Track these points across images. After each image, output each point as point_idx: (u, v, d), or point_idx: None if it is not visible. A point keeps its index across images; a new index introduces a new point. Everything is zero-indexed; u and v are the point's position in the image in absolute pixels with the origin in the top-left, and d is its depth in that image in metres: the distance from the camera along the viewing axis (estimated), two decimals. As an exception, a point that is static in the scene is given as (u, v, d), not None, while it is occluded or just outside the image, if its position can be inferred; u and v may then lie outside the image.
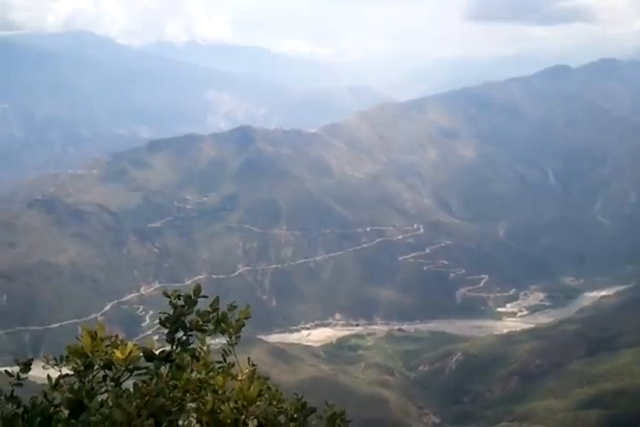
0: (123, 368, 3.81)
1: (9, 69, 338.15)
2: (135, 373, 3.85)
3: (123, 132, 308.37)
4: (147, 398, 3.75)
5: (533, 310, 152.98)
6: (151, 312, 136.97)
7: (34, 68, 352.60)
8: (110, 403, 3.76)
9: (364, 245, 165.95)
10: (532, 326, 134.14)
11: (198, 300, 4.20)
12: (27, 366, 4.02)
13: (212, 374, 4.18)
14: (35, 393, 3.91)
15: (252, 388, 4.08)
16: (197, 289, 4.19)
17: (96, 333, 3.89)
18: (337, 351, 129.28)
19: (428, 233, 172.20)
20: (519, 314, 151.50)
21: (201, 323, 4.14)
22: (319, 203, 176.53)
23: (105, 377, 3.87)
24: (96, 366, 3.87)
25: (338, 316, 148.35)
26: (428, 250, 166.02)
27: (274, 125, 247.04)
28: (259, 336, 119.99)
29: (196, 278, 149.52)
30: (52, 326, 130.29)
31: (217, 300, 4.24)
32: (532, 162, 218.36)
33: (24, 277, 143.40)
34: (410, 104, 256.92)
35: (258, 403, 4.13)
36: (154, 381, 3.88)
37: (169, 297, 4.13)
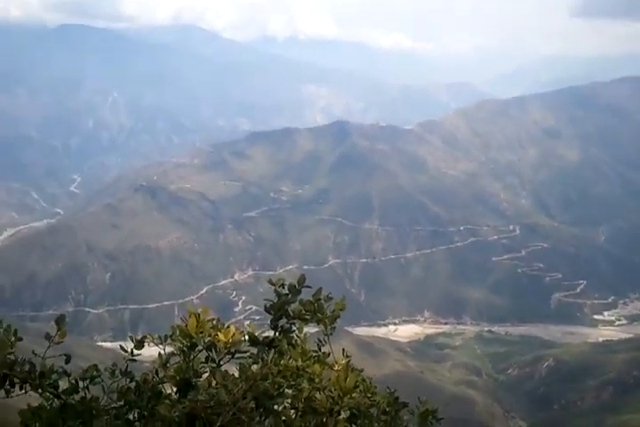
0: (225, 351, 3.95)
1: (120, 60, 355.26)
2: (237, 356, 3.99)
3: (224, 123, 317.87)
4: (252, 381, 3.84)
5: (633, 319, 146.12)
6: (244, 298, 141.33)
7: (143, 59, 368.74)
8: (215, 383, 3.88)
9: (457, 244, 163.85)
10: (630, 335, 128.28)
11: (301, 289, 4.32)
12: (140, 343, 4.15)
13: (308, 362, 4.27)
14: (132, 369, 4.10)
15: (348, 379, 4.16)
16: (302, 279, 4.24)
17: (199, 315, 4.02)
18: (424, 348, 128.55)
19: (524, 235, 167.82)
20: (617, 323, 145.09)
21: (303, 312, 4.21)
22: (412, 199, 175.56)
23: (207, 358, 4.01)
24: (199, 347, 4.01)
25: (426, 313, 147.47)
26: (523, 252, 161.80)
27: (370, 121, 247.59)
28: (346, 328, 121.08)
29: (287, 268, 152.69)
30: (150, 305, 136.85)
31: (319, 291, 4.27)
32: (638, 165, 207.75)
33: (126, 258, 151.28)
34: (511, 102, 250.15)
35: (353, 394, 4.21)
36: (258, 365, 4.04)
37: (274, 285, 4.21)
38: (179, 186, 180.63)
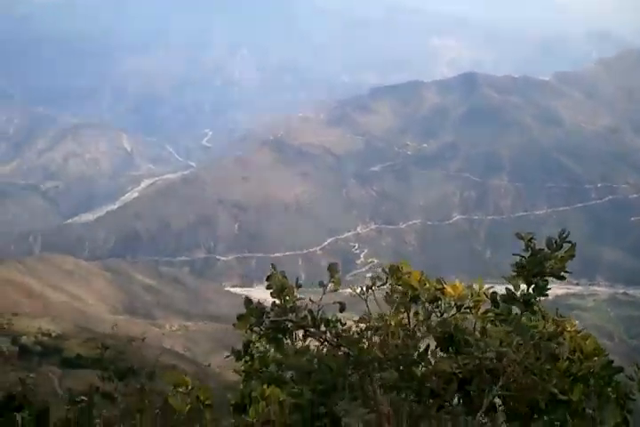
0: (452, 304, 3.66)
1: (247, 17, 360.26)
2: (462, 311, 3.67)
3: (350, 78, 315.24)
4: (538, 340, 3.55)
5: None
6: (365, 250, 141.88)
7: (271, 15, 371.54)
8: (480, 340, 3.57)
9: (593, 202, 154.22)
10: None
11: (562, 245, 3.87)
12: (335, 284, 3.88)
13: (544, 323, 3.88)
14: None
15: (587, 342, 3.82)
16: (563, 235, 3.86)
17: (401, 267, 3.76)
18: (552, 309, 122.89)
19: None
20: None
21: (560, 269, 3.84)
22: (546, 155, 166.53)
23: (429, 312, 3.75)
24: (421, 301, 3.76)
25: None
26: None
27: (502, 73, 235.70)
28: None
29: (410, 223, 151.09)
30: (275, 254, 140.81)
31: (573, 247, 3.86)
32: None
33: (253, 210, 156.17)
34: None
35: (594, 358, 3.81)
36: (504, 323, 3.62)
37: (522, 239, 3.88)
38: (304, 140, 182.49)
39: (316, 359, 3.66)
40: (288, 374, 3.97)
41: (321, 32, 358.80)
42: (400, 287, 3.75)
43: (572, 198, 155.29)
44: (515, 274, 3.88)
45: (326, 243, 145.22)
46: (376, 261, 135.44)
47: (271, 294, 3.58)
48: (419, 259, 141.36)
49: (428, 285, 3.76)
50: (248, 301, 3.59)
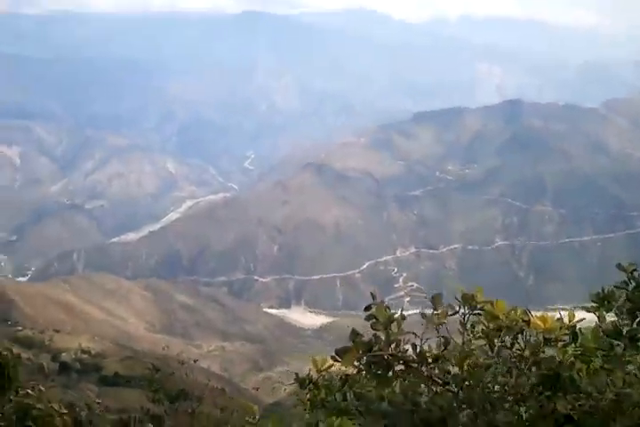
0: (540, 337, 3.35)
1: (292, 45, 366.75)
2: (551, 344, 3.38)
3: (393, 105, 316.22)
4: None
5: None
6: (405, 274, 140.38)
7: (315, 43, 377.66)
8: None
9: (639, 229, 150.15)
10: None
11: None
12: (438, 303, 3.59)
13: None
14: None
15: None
16: None
17: (475, 296, 3.48)
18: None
19: None
20: None
21: None
22: (591, 181, 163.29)
23: (512, 344, 3.43)
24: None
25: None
26: None
27: (546, 100, 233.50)
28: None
29: (451, 247, 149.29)
30: (313, 277, 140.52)
31: None
32: None
33: (293, 232, 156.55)
34: None
35: None
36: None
37: (624, 270, 3.45)
38: (344, 164, 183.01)
39: (423, 396, 3.46)
40: (353, 406, 3.71)
41: (365, 60, 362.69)
42: (481, 318, 3.50)
43: (617, 225, 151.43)
44: (596, 305, 3.58)
45: (364, 266, 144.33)
46: (415, 284, 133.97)
47: (373, 325, 3.35)
48: (458, 284, 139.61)
49: (513, 315, 3.50)
50: (355, 333, 3.36)
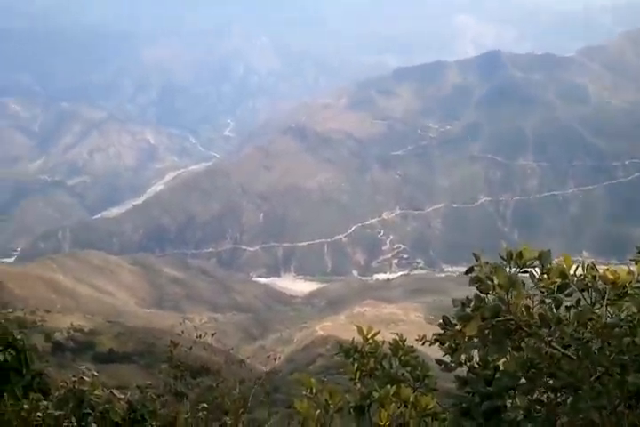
0: (607, 292, 3.24)
1: (267, 5, 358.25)
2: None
3: (370, 60, 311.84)
4: None
5: None
6: (391, 237, 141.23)
7: (289, 2, 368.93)
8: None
9: (621, 180, 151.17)
10: None
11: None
12: (470, 270, 3.28)
13: None
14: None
15: None
16: None
17: (521, 253, 3.26)
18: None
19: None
20: None
21: None
22: (571, 132, 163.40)
23: (578, 301, 3.32)
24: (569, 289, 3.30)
25: (585, 253, 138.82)
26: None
27: (524, 50, 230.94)
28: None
29: (435, 207, 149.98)
30: (300, 243, 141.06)
31: None
32: None
33: (277, 199, 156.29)
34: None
35: None
36: None
37: None
38: (326, 127, 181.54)
39: (546, 363, 3.23)
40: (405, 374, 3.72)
41: (336, 16, 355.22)
42: (545, 276, 3.28)
43: (598, 177, 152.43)
44: None
45: (351, 230, 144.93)
46: (402, 246, 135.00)
47: (481, 289, 3.08)
48: (444, 243, 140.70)
49: (580, 270, 3.33)
50: (478, 298, 3.08)
